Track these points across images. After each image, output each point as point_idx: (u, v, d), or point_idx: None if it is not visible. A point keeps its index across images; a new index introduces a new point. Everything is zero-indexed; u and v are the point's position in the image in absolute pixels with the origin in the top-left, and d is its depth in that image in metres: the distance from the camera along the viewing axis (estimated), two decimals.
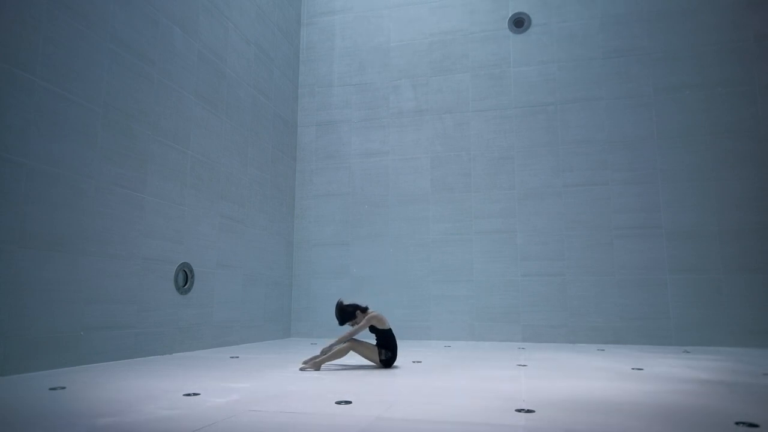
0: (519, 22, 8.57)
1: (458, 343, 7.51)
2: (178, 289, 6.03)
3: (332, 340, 4.90)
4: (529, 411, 2.84)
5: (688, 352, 6.37)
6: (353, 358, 5.12)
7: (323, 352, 4.73)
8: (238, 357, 5.61)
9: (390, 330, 4.83)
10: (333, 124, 9.16)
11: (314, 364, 4.56)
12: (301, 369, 4.54)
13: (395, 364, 4.91)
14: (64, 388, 3.52)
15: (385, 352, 4.75)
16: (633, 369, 4.68)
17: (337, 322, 4.93)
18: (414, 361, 5.23)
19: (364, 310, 4.90)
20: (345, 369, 4.64)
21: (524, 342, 7.72)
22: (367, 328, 4.81)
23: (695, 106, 7.69)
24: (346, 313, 4.86)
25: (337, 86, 9.25)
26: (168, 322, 5.86)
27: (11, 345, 4.08)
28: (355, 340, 4.80)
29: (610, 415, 2.80)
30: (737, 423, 2.58)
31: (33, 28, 4.37)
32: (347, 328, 4.92)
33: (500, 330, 7.90)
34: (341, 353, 4.69)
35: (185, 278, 6.23)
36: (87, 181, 4.86)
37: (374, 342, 4.83)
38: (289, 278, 8.80)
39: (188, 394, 3.28)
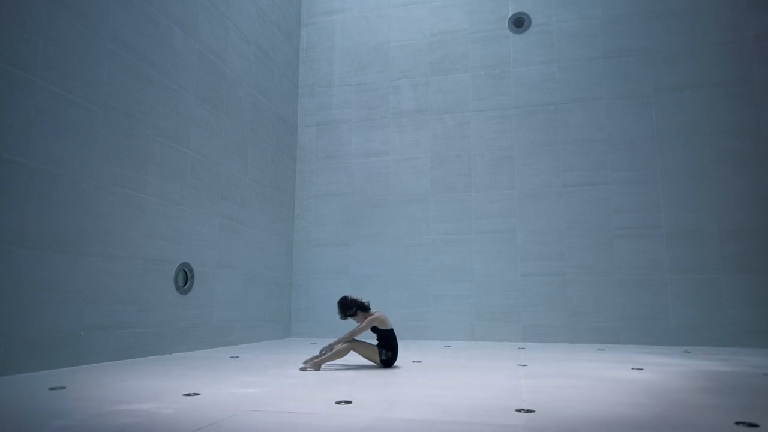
0: (519, 22, 8.57)
1: (458, 343, 7.51)
2: (178, 289, 6.03)
3: (332, 340, 4.90)
4: (529, 411, 2.84)
5: (688, 352, 6.37)
6: (353, 358, 5.12)
7: (323, 352, 4.73)
8: (238, 357, 5.61)
9: (392, 330, 4.84)
10: (333, 124, 9.16)
11: (314, 364, 4.56)
12: (301, 369, 4.54)
13: (395, 364, 4.91)
14: (64, 388, 3.52)
15: (386, 352, 4.75)
16: (633, 369, 4.68)
17: (338, 317, 4.95)
18: (414, 361, 5.23)
19: (366, 309, 4.89)
20: (345, 369, 4.64)
21: (524, 342, 7.72)
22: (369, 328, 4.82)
23: (695, 106, 7.69)
24: (347, 309, 4.87)
25: (337, 86, 9.25)
26: (168, 322, 5.86)
27: (11, 345, 4.08)
28: (356, 340, 4.81)
29: (610, 415, 2.80)
30: (737, 423, 2.58)
31: (33, 28, 4.37)
32: (348, 324, 4.93)
33: (500, 330, 7.90)
34: (341, 353, 4.69)
35: (185, 278, 6.23)
36: (87, 181, 4.86)
37: (375, 341, 4.84)
38: (289, 278, 8.80)
39: (188, 394, 3.29)
